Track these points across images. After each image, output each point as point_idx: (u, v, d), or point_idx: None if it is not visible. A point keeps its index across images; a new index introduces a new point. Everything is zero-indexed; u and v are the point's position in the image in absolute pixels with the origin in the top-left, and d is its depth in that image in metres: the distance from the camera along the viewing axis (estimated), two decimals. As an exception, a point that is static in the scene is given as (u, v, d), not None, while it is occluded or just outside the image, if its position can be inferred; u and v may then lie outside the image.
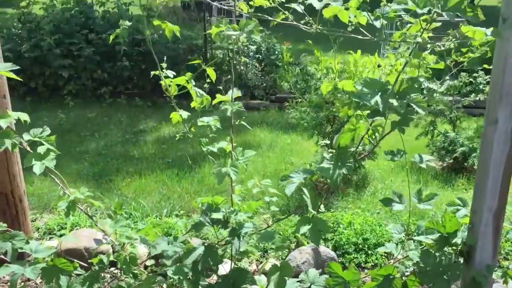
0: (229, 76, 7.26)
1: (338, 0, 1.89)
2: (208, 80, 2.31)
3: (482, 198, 2.07)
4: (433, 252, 2.08)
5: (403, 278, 2.19)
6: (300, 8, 1.98)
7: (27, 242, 2.14)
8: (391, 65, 4.93)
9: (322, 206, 2.19)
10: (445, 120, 5.29)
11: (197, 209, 4.03)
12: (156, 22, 2.20)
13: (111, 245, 3.08)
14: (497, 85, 1.94)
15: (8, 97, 2.95)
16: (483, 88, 6.80)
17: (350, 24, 1.95)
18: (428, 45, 1.96)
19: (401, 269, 2.26)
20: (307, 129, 4.78)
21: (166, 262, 2.17)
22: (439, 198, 4.16)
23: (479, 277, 2.08)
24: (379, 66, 4.99)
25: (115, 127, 6.48)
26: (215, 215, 2.15)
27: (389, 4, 1.83)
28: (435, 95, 4.87)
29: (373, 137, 2.05)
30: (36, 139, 2.16)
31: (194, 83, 2.31)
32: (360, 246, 3.44)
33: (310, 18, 2.00)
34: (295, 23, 2.05)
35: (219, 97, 2.33)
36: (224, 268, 2.49)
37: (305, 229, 2.01)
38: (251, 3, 2.13)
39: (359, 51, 4.96)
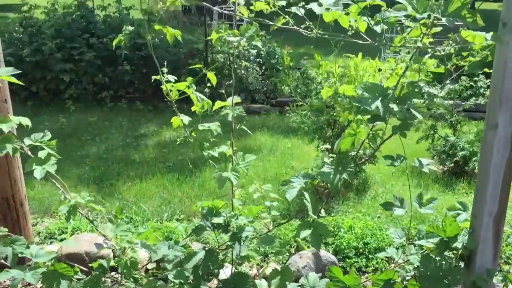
0: (230, 82, 7.26)
1: (338, 5, 1.90)
2: (208, 85, 2.32)
3: (483, 202, 2.07)
4: (433, 256, 2.08)
5: (404, 282, 2.19)
6: (300, 12, 1.99)
7: (28, 247, 2.14)
8: (392, 69, 4.93)
9: (322, 211, 2.19)
10: (445, 124, 5.29)
11: (197, 213, 4.03)
12: (157, 27, 2.21)
13: (112, 250, 3.08)
14: (497, 90, 1.94)
15: (9, 101, 2.96)
16: (484, 92, 6.80)
17: (350, 28, 1.96)
18: (429, 49, 1.97)
19: (402, 273, 2.26)
20: (307, 133, 4.78)
21: (167, 266, 2.17)
22: (440, 202, 4.16)
23: (479, 281, 2.08)
24: (379, 70, 4.99)
25: (116, 131, 6.49)
26: (216, 220, 2.15)
27: (389, 9, 1.84)
28: (435, 99, 4.88)
29: (374, 141, 2.06)
30: (37, 143, 2.17)
31: (195, 88, 2.32)
32: (361, 250, 3.44)
33: (311, 23, 2.01)
34: (295, 27, 2.05)
35: (218, 103, 2.34)
36: (225, 272, 2.49)
37: (305, 233, 2.02)
38: (251, 7, 2.14)
39: (359, 55, 4.96)
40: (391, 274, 2.10)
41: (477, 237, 2.10)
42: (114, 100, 7.51)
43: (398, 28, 2.26)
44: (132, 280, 2.35)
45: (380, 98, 1.80)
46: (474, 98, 6.22)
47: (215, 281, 2.33)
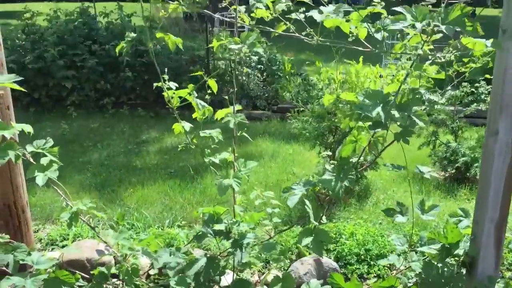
0: (231, 90, 7.28)
1: (338, 13, 1.90)
2: (209, 91, 2.33)
3: (484, 209, 2.07)
4: (435, 263, 2.08)
5: (406, 289, 2.18)
6: (299, 17, 2.00)
7: (29, 254, 2.14)
8: (393, 75, 4.94)
9: (324, 217, 2.19)
10: (447, 130, 5.29)
11: (199, 220, 4.03)
12: (159, 34, 2.22)
13: (114, 256, 3.08)
14: (497, 96, 1.95)
15: (11, 108, 2.97)
16: (485, 98, 6.80)
17: (351, 35, 1.97)
18: (429, 56, 1.98)
19: (404, 280, 2.26)
20: (309, 139, 4.78)
21: (169, 273, 2.17)
22: (441, 209, 4.15)
23: (481, 288, 2.07)
24: (381, 76, 5.00)
25: (117, 137, 6.50)
26: (217, 226, 2.15)
27: (389, 16, 1.84)
28: (436, 106, 4.87)
29: (375, 148, 2.06)
30: (39, 150, 2.17)
31: (196, 95, 2.33)
32: (363, 256, 3.43)
33: (311, 30, 2.01)
34: (296, 34, 2.06)
35: (220, 112, 2.35)
36: (226, 279, 2.48)
37: (307, 240, 2.01)
38: (252, 14, 2.16)
39: (361, 61, 4.97)
40: (393, 281, 2.10)
41: (479, 243, 2.10)
42: (116, 106, 7.53)
43: (399, 35, 2.26)
44: (133, 287, 2.34)
45: (381, 105, 1.80)
46: (475, 104, 6.22)
47: (216, 288, 2.33)
